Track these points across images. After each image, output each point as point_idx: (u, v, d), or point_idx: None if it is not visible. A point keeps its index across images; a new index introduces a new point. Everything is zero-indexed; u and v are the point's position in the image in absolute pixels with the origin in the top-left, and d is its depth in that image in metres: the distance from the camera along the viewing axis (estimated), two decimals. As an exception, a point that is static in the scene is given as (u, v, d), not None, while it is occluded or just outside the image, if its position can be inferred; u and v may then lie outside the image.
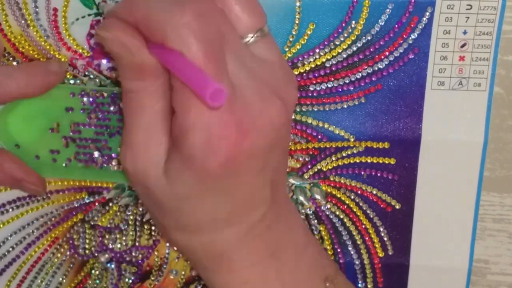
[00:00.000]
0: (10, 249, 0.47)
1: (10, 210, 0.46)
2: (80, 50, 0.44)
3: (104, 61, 0.44)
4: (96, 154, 0.42)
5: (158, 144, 0.35)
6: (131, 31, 0.33)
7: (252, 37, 0.35)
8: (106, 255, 0.48)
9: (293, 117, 0.46)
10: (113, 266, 0.48)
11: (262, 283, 0.38)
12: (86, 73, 0.44)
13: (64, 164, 0.43)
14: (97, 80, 0.44)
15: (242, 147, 0.32)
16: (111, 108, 0.42)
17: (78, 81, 0.44)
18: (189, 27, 0.31)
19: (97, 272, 0.48)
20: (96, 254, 0.48)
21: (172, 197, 0.35)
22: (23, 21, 0.43)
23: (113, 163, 0.43)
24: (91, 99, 0.42)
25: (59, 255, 0.48)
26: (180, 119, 0.33)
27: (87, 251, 0.48)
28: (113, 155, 0.43)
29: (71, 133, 0.42)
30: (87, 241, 0.48)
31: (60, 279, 0.48)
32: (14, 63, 0.44)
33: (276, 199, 0.37)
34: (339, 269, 0.42)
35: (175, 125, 0.33)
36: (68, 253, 0.48)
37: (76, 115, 0.42)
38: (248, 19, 0.35)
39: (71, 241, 0.48)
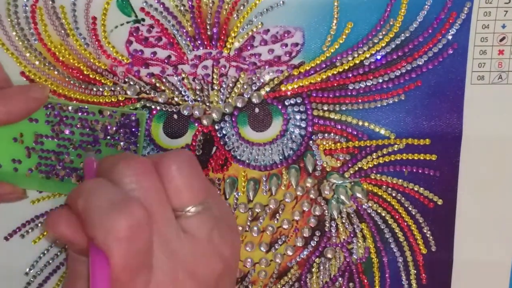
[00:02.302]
0: (54, 256, 0.48)
1: (54, 217, 0.47)
2: (120, 57, 0.44)
3: (143, 68, 0.44)
4: (57, 166, 0.43)
5: None
6: (74, 224, 0.35)
7: (188, 211, 0.36)
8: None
9: (332, 116, 0.46)
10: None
11: None
12: (126, 79, 0.45)
13: (25, 174, 0.43)
14: (137, 87, 0.45)
15: None
16: (75, 122, 0.43)
17: (118, 88, 0.45)
18: (116, 238, 0.32)
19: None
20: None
21: None
22: (62, 31, 0.43)
23: (74, 176, 0.43)
24: (55, 112, 0.42)
25: (102, 261, 0.48)
26: None
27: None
28: (74, 168, 0.43)
29: (34, 144, 0.42)
30: (130, 246, 0.48)
31: (104, 284, 0.48)
32: (55, 72, 0.44)
33: None
34: None
35: None
36: (111, 258, 0.48)
37: (40, 127, 0.42)
38: (187, 194, 0.35)
39: (114, 247, 0.48)
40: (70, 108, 0.43)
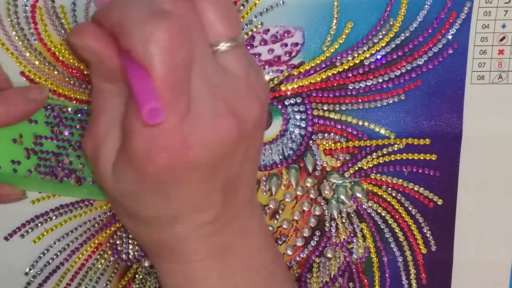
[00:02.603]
0: (54, 256, 0.48)
1: (54, 217, 0.47)
2: (120, 57, 0.44)
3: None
4: (57, 167, 0.43)
5: (114, 142, 0.35)
6: (103, 38, 0.33)
7: (223, 46, 0.34)
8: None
9: (332, 116, 0.46)
10: (156, 270, 0.48)
11: (202, 278, 0.37)
12: (126, 79, 0.45)
13: (24, 175, 0.43)
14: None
15: (183, 160, 0.33)
16: (75, 123, 0.43)
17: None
18: (158, 46, 0.30)
19: (141, 277, 0.49)
20: (139, 259, 0.48)
21: (115, 191, 0.36)
22: (62, 31, 0.43)
23: (73, 177, 0.43)
24: (55, 113, 0.42)
25: (102, 261, 0.48)
26: (128, 121, 0.33)
27: (130, 256, 0.48)
28: (73, 169, 0.43)
29: (33, 145, 0.42)
30: (130, 246, 0.48)
31: (104, 284, 0.49)
32: (55, 72, 0.44)
33: (231, 205, 0.37)
34: (293, 281, 0.42)
35: (124, 125, 0.34)
36: (111, 258, 0.48)
37: (39, 128, 0.42)
38: (221, 27, 0.34)
39: (114, 247, 0.48)
40: (69, 109, 0.43)
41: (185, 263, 0.37)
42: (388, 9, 0.43)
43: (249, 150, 0.36)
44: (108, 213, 0.47)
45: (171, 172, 0.33)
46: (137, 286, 0.49)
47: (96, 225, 0.47)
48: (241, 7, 0.43)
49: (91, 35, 0.33)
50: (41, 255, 0.48)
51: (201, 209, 0.36)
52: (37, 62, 0.44)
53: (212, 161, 0.34)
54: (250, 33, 0.44)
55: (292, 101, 0.45)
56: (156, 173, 0.33)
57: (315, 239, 0.48)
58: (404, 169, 0.47)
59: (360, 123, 0.46)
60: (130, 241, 0.48)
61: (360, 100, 0.45)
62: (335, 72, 0.45)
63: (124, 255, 0.48)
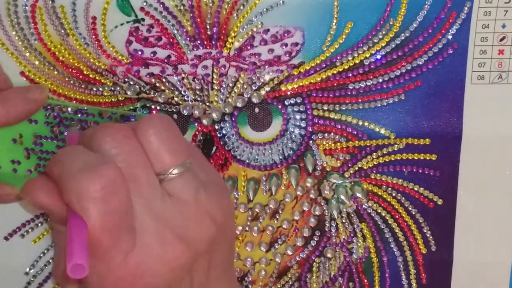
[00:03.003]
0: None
1: (54, 217, 0.47)
2: (120, 57, 0.44)
3: (143, 68, 0.44)
4: None
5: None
6: (52, 192, 0.34)
7: (170, 173, 0.35)
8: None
9: (332, 116, 0.46)
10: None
11: None
12: (126, 79, 0.45)
13: (24, 175, 0.43)
14: (137, 87, 0.45)
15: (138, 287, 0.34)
16: (75, 123, 0.43)
17: (118, 88, 0.45)
18: (90, 199, 0.32)
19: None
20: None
21: None
22: (62, 30, 0.43)
23: None
24: (55, 113, 0.42)
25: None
26: None
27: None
28: None
29: (33, 145, 0.42)
30: (130, 246, 0.48)
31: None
32: (55, 72, 0.44)
33: None
34: None
35: None
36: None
37: (39, 128, 0.42)
38: (166, 157, 0.35)
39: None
40: (69, 109, 0.43)
41: None
42: (388, 9, 0.43)
43: (213, 260, 0.37)
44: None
45: None
46: None
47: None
48: (241, 7, 0.43)
49: (41, 191, 0.35)
50: (41, 255, 0.47)
51: None
52: (37, 62, 0.44)
53: (167, 285, 0.35)
54: (250, 33, 0.44)
55: (292, 101, 0.45)
56: None
57: (315, 239, 0.48)
58: (404, 169, 0.47)
59: (360, 123, 0.46)
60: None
61: (360, 100, 0.45)
62: (335, 72, 0.45)
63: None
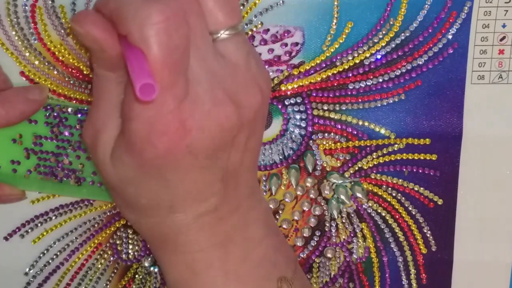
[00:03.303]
0: (54, 256, 0.48)
1: (53, 217, 0.47)
2: (120, 57, 0.44)
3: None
4: (56, 167, 0.43)
5: (113, 129, 0.35)
6: (103, 25, 0.32)
7: (222, 33, 0.34)
8: (149, 259, 0.48)
9: (332, 116, 0.46)
10: (156, 269, 0.48)
11: (204, 269, 0.37)
12: (126, 79, 0.45)
13: (24, 175, 0.43)
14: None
15: (182, 145, 0.33)
16: (74, 124, 0.42)
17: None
18: (154, 29, 0.30)
19: (141, 277, 0.49)
20: (139, 259, 0.48)
21: (115, 179, 0.36)
22: (62, 30, 0.43)
23: (73, 177, 0.43)
24: (55, 113, 0.42)
25: (102, 261, 0.48)
26: (127, 106, 0.33)
27: (130, 256, 0.48)
28: (73, 169, 0.43)
29: (33, 145, 0.42)
30: (130, 246, 0.48)
31: (104, 284, 0.49)
32: (55, 72, 0.44)
33: (232, 194, 0.37)
34: (298, 268, 0.41)
35: (124, 110, 0.34)
36: (111, 258, 0.48)
37: (39, 128, 0.42)
38: (220, 15, 0.34)
39: (114, 247, 0.48)
40: (69, 109, 0.43)
41: (186, 254, 0.37)
42: (388, 8, 0.43)
43: (250, 140, 0.36)
44: (108, 213, 0.47)
45: (170, 156, 0.33)
46: (137, 286, 0.49)
47: (96, 225, 0.47)
48: (241, 7, 0.43)
49: (92, 22, 0.32)
50: (41, 255, 0.47)
51: (201, 198, 0.36)
52: (36, 62, 0.44)
53: (211, 148, 0.34)
54: (250, 33, 0.44)
55: (292, 101, 0.45)
56: (155, 158, 0.33)
57: (315, 239, 0.48)
58: (404, 169, 0.47)
59: (360, 123, 0.46)
60: (130, 241, 0.48)
61: (360, 100, 0.45)
62: (335, 72, 0.45)
63: (124, 255, 0.48)
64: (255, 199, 0.40)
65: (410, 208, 0.47)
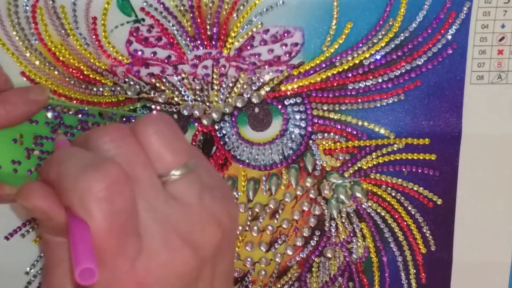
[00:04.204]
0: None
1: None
2: (120, 57, 0.44)
3: (143, 68, 0.44)
4: None
5: None
6: (50, 196, 0.32)
7: (173, 175, 0.33)
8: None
9: (332, 116, 0.46)
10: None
11: None
12: (126, 79, 0.45)
13: (24, 175, 0.43)
14: (137, 87, 0.45)
15: None
16: (75, 124, 0.42)
17: (118, 88, 0.45)
18: (94, 200, 0.30)
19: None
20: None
21: None
22: (63, 31, 0.44)
23: None
24: (55, 114, 0.42)
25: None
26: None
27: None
28: None
29: (33, 145, 0.42)
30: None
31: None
32: (56, 72, 0.44)
33: None
34: None
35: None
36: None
37: (40, 128, 0.42)
38: (168, 157, 0.33)
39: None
40: (71, 110, 0.43)
41: None
42: (388, 9, 0.43)
43: (217, 268, 0.35)
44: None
45: None
46: None
47: (96, 225, 0.47)
48: (241, 7, 0.43)
49: (38, 195, 0.32)
50: (42, 255, 0.48)
51: None
52: (37, 62, 0.44)
53: None
54: (250, 33, 0.44)
55: (292, 101, 0.46)
56: None
57: (315, 239, 0.48)
58: (404, 169, 0.47)
59: (360, 123, 0.46)
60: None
61: (359, 100, 0.45)
62: (334, 72, 0.45)
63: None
64: None
65: (409, 208, 0.48)
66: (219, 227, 0.34)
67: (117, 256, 0.31)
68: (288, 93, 0.45)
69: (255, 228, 0.48)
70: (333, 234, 0.48)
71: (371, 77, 0.45)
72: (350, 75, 0.45)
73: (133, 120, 0.43)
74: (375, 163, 0.47)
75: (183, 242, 0.32)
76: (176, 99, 0.45)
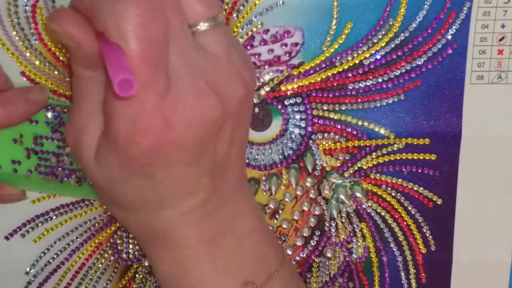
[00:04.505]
0: (55, 256, 0.48)
1: (54, 217, 0.47)
2: (120, 57, 0.44)
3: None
4: (57, 167, 0.43)
5: (96, 129, 0.35)
6: (80, 22, 0.32)
7: (202, 25, 0.33)
8: (150, 259, 0.48)
9: (332, 116, 0.46)
10: (156, 269, 0.48)
11: (194, 264, 0.37)
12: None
13: (24, 175, 0.43)
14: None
15: (167, 140, 0.32)
16: None
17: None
18: (130, 23, 0.30)
19: (141, 276, 0.49)
20: (139, 258, 0.48)
21: (100, 178, 0.36)
22: (63, 30, 0.44)
23: (73, 177, 0.43)
24: (55, 113, 0.42)
25: (103, 260, 0.48)
26: (108, 104, 0.33)
27: (130, 256, 0.48)
28: (73, 169, 0.43)
29: (33, 145, 0.42)
30: (131, 245, 0.48)
31: (105, 284, 0.49)
32: (56, 72, 0.44)
33: (220, 189, 0.37)
34: (286, 259, 0.41)
35: (105, 108, 0.33)
36: (112, 258, 0.48)
37: (40, 128, 0.42)
38: (199, 7, 0.33)
39: (114, 246, 0.48)
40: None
41: (176, 250, 0.37)
42: (388, 9, 0.43)
43: (235, 132, 0.35)
44: (108, 213, 0.47)
45: (155, 153, 0.33)
46: (137, 285, 0.49)
47: (96, 225, 0.47)
48: (241, 7, 0.43)
49: (69, 20, 0.32)
50: (42, 255, 0.48)
51: (189, 193, 0.36)
52: (37, 62, 0.44)
53: (197, 141, 0.33)
54: (250, 33, 0.44)
55: (292, 101, 0.46)
56: (140, 155, 0.33)
57: (315, 239, 0.48)
58: (404, 169, 0.47)
59: (360, 123, 0.46)
60: (130, 241, 0.48)
61: (359, 100, 0.45)
62: (334, 72, 0.45)
63: (124, 255, 0.48)
64: (243, 192, 0.39)
65: (409, 208, 0.48)
66: (243, 83, 0.35)
67: (147, 88, 0.31)
68: (288, 93, 0.45)
69: (255, 228, 0.48)
70: (333, 234, 0.48)
71: (371, 77, 0.45)
72: (350, 75, 0.45)
73: None
74: (375, 163, 0.47)
75: (210, 89, 0.33)
76: (176, 99, 0.45)
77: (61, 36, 0.32)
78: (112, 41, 0.30)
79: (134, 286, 0.49)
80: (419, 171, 0.47)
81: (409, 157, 0.46)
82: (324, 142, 0.46)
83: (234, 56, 0.35)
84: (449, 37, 0.44)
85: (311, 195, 0.47)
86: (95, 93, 0.35)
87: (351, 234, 0.48)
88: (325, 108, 0.46)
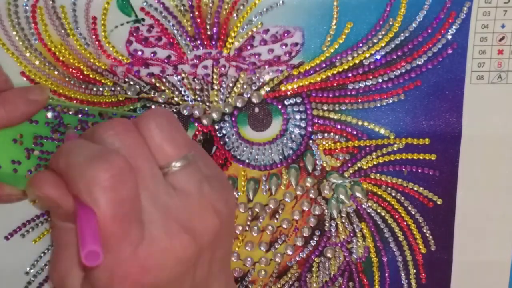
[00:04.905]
0: (55, 256, 0.48)
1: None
2: (120, 57, 0.44)
3: (143, 68, 0.44)
4: None
5: (79, 274, 0.36)
6: (59, 185, 0.34)
7: (174, 166, 0.35)
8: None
9: (332, 116, 0.46)
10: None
11: None
12: (126, 79, 0.45)
13: (24, 175, 0.43)
14: (137, 87, 0.45)
15: (144, 284, 0.34)
16: (75, 124, 0.42)
17: (118, 88, 0.45)
18: (100, 188, 0.32)
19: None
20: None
21: None
22: (62, 31, 0.44)
23: None
24: (55, 113, 0.42)
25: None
26: None
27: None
28: None
29: (33, 145, 0.42)
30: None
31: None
32: (56, 72, 0.44)
33: None
34: None
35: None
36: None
37: (40, 128, 0.42)
38: (169, 149, 0.35)
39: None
40: (71, 111, 0.43)
41: None
42: (388, 9, 0.43)
43: (215, 254, 0.37)
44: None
45: None
46: None
47: (96, 225, 0.47)
48: (241, 7, 0.43)
49: (48, 184, 0.34)
50: (42, 255, 0.48)
51: None
52: (37, 62, 0.44)
53: (173, 279, 0.35)
54: (250, 33, 0.44)
55: (292, 101, 0.46)
56: None
57: (315, 239, 0.48)
58: (404, 169, 0.47)
59: (360, 123, 0.46)
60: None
61: (359, 100, 0.45)
62: (334, 72, 0.45)
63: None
64: None
65: (409, 208, 0.48)
66: (217, 215, 0.36)
67: (121, 241, 0.33)
68: (288, 93, 0.45)
69: (255, 228, 0.48)
70: (333, 234, 0.48)
71: (371, 77, 0.45)
72: (350, 75, 0.45)
73: None
74: (375, 163, 0.47)
75: (183, 229, 0.34)
76: (176, 99, 0.45)
77: (42, 200, 0.35)
78: (85, 203, 0.32)
79: None
80: (419, 171, 0.47)
81: (409, 157, 0.46)
82: (324, 142, 0.46)
83: (206, 191, 0.36)
84: (449, 37, 0.44)
85: (311, 195, 0.47)
86: (74, 243, 0.36)
87: (351, 234, 0.48)
88: (325, 108, 0.46)
